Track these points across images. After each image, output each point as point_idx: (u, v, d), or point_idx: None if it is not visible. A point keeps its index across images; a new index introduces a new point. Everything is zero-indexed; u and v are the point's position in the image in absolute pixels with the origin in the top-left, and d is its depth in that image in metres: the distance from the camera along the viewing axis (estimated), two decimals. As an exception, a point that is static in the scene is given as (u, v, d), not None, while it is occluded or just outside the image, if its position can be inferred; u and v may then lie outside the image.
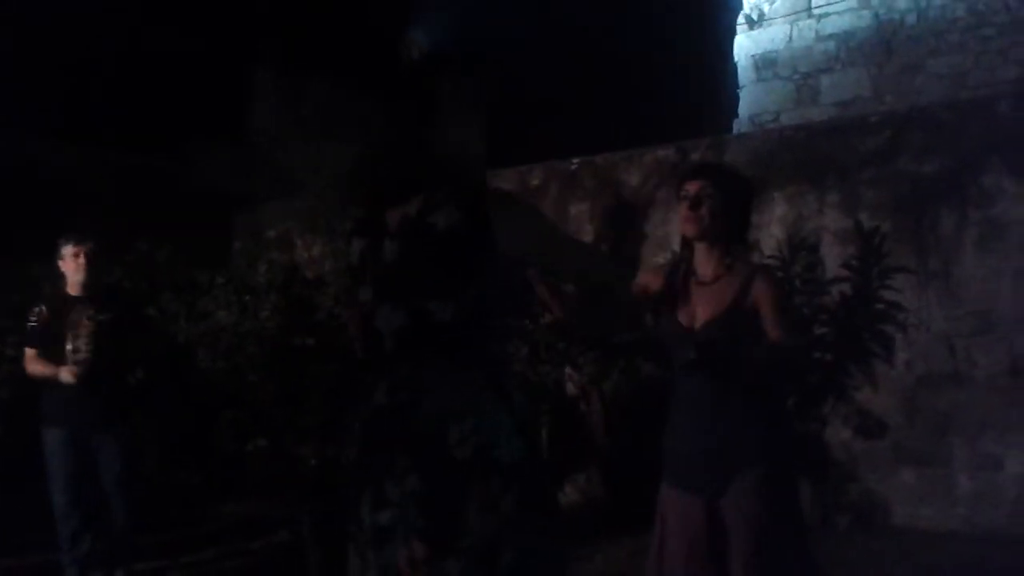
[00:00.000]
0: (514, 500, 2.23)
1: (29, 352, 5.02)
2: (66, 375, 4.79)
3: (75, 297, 5.00)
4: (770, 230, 6.59)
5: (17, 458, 5.48)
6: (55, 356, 4.88)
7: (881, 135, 6.46)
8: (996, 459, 5.83)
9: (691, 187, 3.00)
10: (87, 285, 4.99)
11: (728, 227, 3.01)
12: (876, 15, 10.54)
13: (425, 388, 2.23)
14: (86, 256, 4.96)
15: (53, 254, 5.09)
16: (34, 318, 5.00)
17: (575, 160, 7.86)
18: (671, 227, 7.19)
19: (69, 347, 4.82)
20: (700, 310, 2.97)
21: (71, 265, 5.00)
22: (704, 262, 3.02)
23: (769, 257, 6.22)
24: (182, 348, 5.87)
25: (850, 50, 10.65)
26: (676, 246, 6.86)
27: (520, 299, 2.41)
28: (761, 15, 11.21)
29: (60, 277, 5.10)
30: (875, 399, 6.10)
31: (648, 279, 3.22)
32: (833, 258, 6.22)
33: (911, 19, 10.44)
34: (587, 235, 7.60)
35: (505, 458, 2.22)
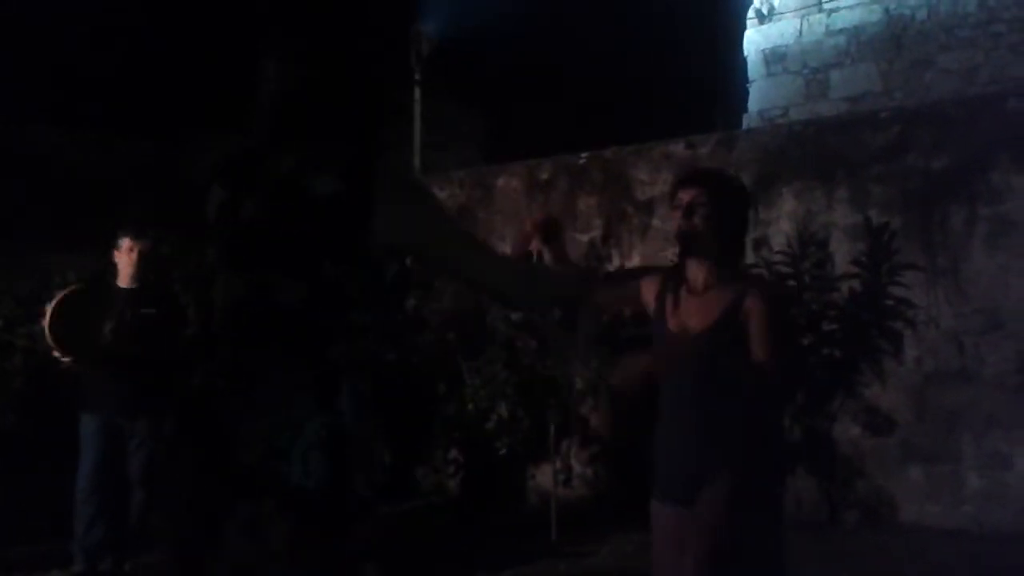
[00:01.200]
0: (285, 532, 1.80)
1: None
2: (58, 355, 4.94)
3: (123, 288, 5.16)
4: (779, 225, 6.58)
5: (30, 447, 5.52)
6: (85, 340, 4.99)
7: (891, 131, 6.45)
8: (1004, 457, 5.82)
9: (684, 195, 2.91)
10: (136, 278, 5.15)
11: (722, 238, 2.91)
12: (887, 10, 10.51)
13: (239, 376, 1.87)
14: (140, 252, 5.14)
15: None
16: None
17: (584, 154, 7.86)
18: (680, 222, 7.19)
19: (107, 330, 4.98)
20: (690, 321, 2.89)
21: (125, 258, 5.17)
22: (696, 271, 2.94)
23: (778, 253, 6.23)
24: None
25: (860, 45, 10.62)
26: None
27: (391, 294, 2.00)
28: (771, 9, 11.18)
29: (111, 266, 5.23)
30: (883, 396, 6.09)
31: (643, 290, 3.13)
32: (842, 254, 6.23)
33: (922, 14, 10.41)
34: (595, 229, 7.61)
35: (295, 477, 1.80)
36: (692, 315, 2.89)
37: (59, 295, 5.04)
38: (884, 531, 5.96)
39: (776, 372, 2.83)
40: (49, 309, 4.94)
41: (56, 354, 4.96)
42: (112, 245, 5.22)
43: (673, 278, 3.01)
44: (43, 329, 5.00)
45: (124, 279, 5.18)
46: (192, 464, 1.86)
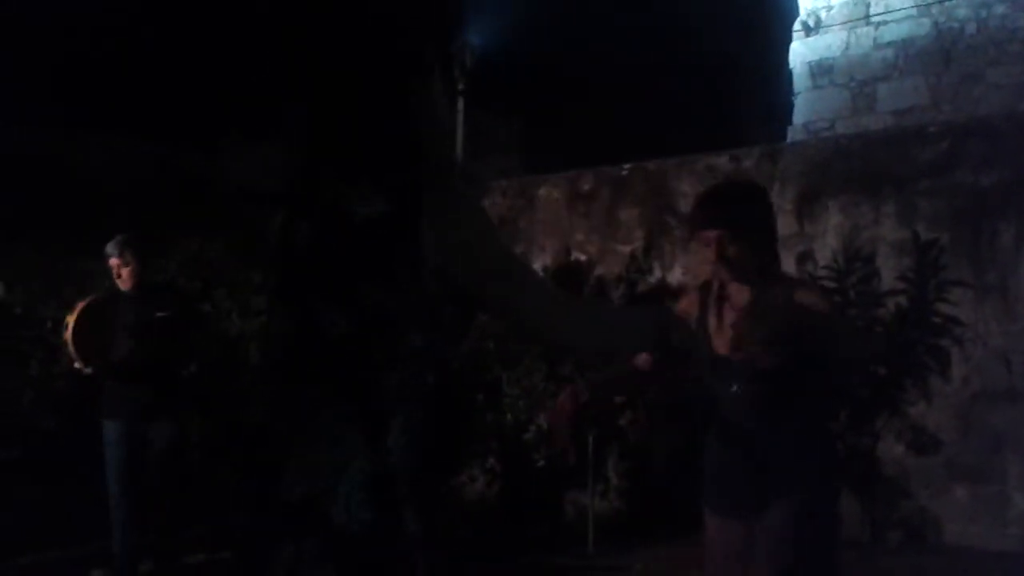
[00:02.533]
0: (330, 572, 1.71)
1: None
2: (80, 366, 4.98)
3: (124, 293, 5.17)
4: (825, 240, 6.51)
5: (74, 450, 5.58)
6: (103, 348, 5.04)
7: (939, 145, 6.36)
8: (1052, 479, 5.71)
9: (709, 236, 2.86)
10: (133, 284, 5.14)
11: (756, 258, 2.85)
12: (935, 23, 10.39)
13: (288, 410, 1.85)
14: (123, 263, 5.12)
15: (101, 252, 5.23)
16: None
17: (626, 166, 7.83)
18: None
19: (118, 340, 5.00)
20: (741, 335, 2.83)
21: (115, 268, 5.18)
22: (738, 290, 2.90)
23: (824, 267, 6.16)
24: (234, 344, 5.93)
25: (908, 58, 10.52)
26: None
27: (438, 319, 1.79)
28: (818, 21, 11.10)
29: (111, 273, 5.25)
30: (929, 414, 6.00)
31: (682, 311, 3.10)
32: (889, 270, 6.14)
33: (971, 28, 10.28)
34: (636, 240, 7.57)
35: (338, 518, 1.74)
36: (741, 330, 2.84)
37: (78, 306, 5.06)
38: (928, 552, 5.87)
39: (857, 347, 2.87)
40: (71, 321, 4.98)
41: (77, 365, 5.00)
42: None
43: (713, 296, 2.96)
44: (65, 339, 5.04)
45: (124, 285, 5.16)
46: (244, 497, 1.83)
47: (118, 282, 5.16)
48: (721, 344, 2.89)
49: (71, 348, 5.00)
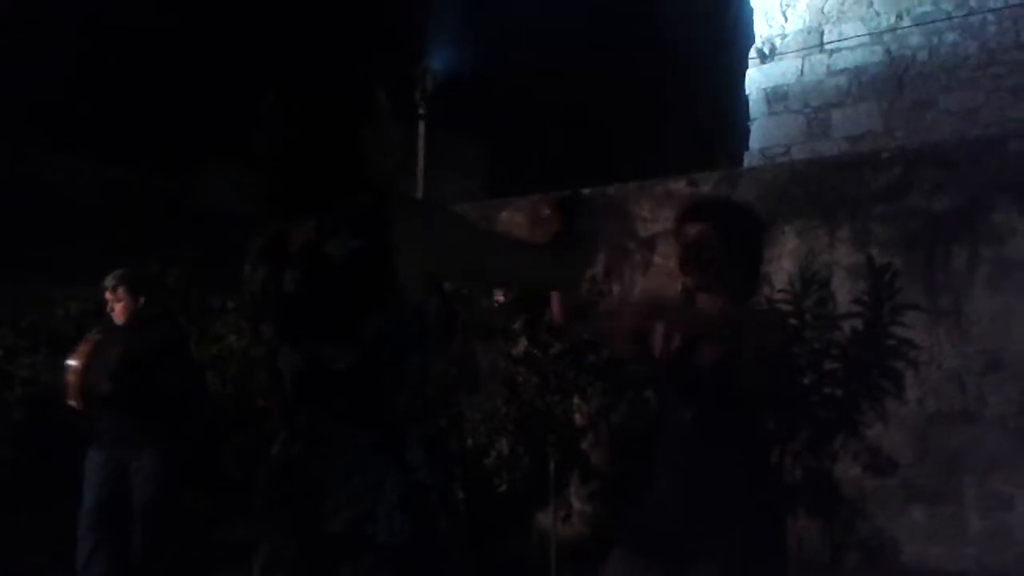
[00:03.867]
0: None
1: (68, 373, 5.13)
2: (72, 401, 4.96)
3: (117, 326, 5.18)
4: (781, 263, 6.59)
5: (29, 479, 5.49)
6: (95, 381, 5.02)
7: (892, 171, 6.47)
8: (1007, 499, 5.79)
9: (691, 230, 2.69)
10: (127, 319, 5.18)
11: (732, 275, 2.68)
12: (888, 51, 10.60)
13: (315, 444, 1.93)
14: (116, 298, 5.16)
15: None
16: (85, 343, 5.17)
17: (586, 190, 7.88)
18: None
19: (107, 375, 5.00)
20: (692, 359, 2.66)
21: (109, 302, 5.20)
22: (705, 305, 2.72)
23: (780, 291, 6.22)
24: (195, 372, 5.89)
25: (861, 85, 10.71)
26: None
27: (438, 329, 1.92)
28: (773, 49, 11.27)
29: (105, 306, 5.26)
30: (885, 436, 6.07)
31: (647, 315, 2.87)
32: (844, 293, 6.22)
33: (923, 55, 10.50)
34: (596, 264, 7.61)
35: (382, 536, 1.87)
36: (695, 353, 2.66)
37: (85, 347, 5.05)
38: (886, 572, 5.92)
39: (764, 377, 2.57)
40: (78, 363, 4.94)
41: (72, 403, 4.98)
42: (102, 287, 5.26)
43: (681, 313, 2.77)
44: (67, 380, 5.01)
45: (119, 318, 5.21)
46: (286, 533, 1.91)
47: (111, 315, 5.19)
48: (678, 364, 2.69)
49: (75, 388, 4.97)
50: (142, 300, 5.21)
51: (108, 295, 5.18)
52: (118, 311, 5.17)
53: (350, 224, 1.93)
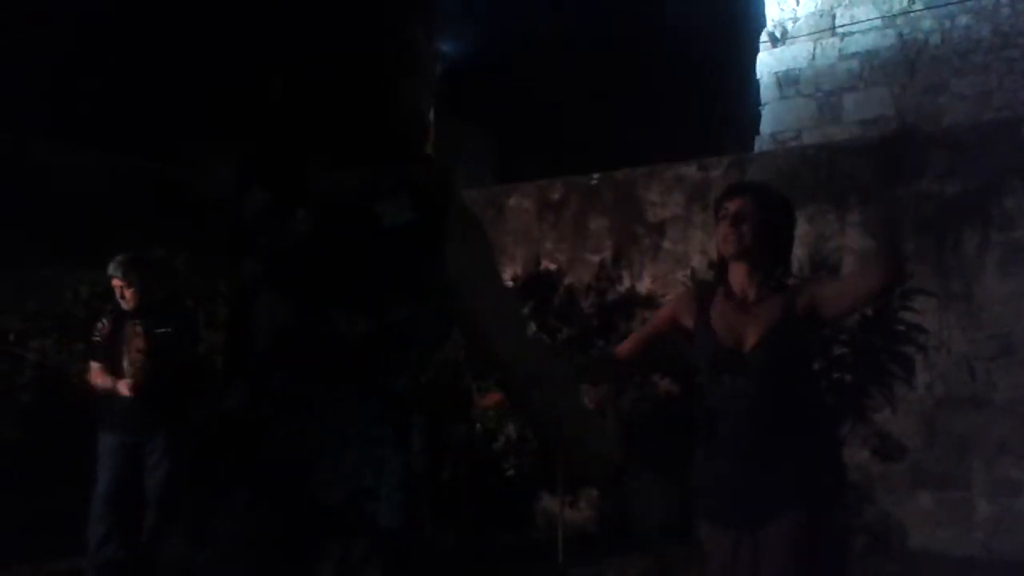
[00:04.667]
0: (379, 569, 1.70)
1: (94, 366, 5.20)
2: (123, 389, 5.00)
3: (127, 312, 5.20)
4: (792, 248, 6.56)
5: (38, 462, 5.52)
6: (113, 369, 5.10)
7: (904, 155, 6.43)
8: (1015, 484, 5.78)
9: (731, 205, 2.88)
10: (136, 304, 5.19)
11: (769, 246, 2.86)
12: (900, 34, 10.52)
13: (299, 406, 1.69)
14: (127, 284, 5.18)
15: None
16: (97, 333, 5.22)
17: (595, 175, 7.86)
18: (689, 244, 7.18)
19: (125, 362, 5.07)
20: (747, 332, 2.79)
21: (118, 289, 5.22)
22: (744, 283, 2.87)
23: (791, 276, 6.20)
24: (201, 356, 5.90)
25: (873, 69, 10.64)
26: (694, 263, 6.85)
27: (442, 327, 1.68)
28: (784, 33, 11.21)
29: (113, 292, 5.27)
30: (894, 421, 6.05)
31: (677, 310, 3.03)
32: (854, 278, 6.20)
33: (935, 39, 10.42)
34: (606, 250, 7.60)
35: (381, 516, 1.70)
36: (743, 329, 2.80)
37: (97, 343, 5.12)
38: (893, 557, 5.92)
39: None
40: (97, 364, 5.08)
41: (120, 388, 5.02)
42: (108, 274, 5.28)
43: (712, 291, 2.94)
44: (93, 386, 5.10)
45: (128, 304, 5.23)
46: (264, 502, 1.71)
47: (121, 302, 5.21)
48: (724, 340, 2.82)
49: (99, 383, 5.07)
50: (150, 285, 5.23)
51: (116, 282, 5.19)
52: (128, 297, 5.19)
53: (413, 194, 1.73)
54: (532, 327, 6.34)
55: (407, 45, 1.91)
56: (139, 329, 5.12)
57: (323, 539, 1.68)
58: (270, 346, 1.74)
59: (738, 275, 2.89)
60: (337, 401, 1.70)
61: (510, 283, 7.03)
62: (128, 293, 5.17)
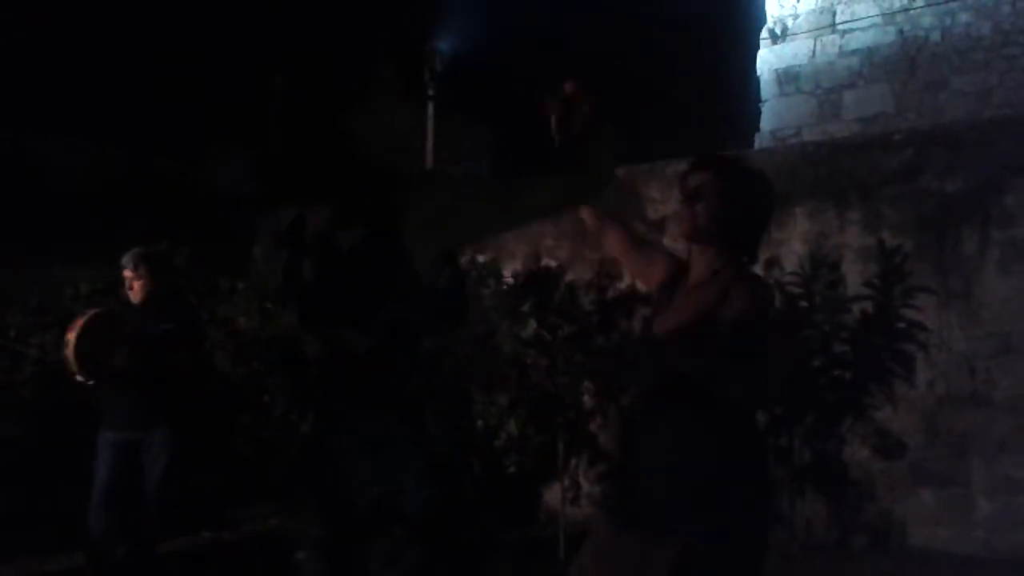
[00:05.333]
0: (418, 554, 1.94)
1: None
2: (82, 379, 4.95)
3: (134, 305, 5.20)
4: (791, 246, 6.57)
5: (38, 458, 5.52)
6: (102, 360, 5.03)
7: (904, 153, 6.43)
8: (1016, 482, 5.78)
9: (691, 179, 2.63)
10: (144, 297, 5.19)
11: (726, 229, 2.60)
12: (900, 31, 10.53)
13: (341, 424, 2.00)
14: (136, 276, 5.18)
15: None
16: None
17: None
18: (691, 241, 7.17)
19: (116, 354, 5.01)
20: (672, 319, 2.60)
21: (128, 280, 5.21)
22: (695, 266, 2.64)
23: (790, 273, 6.22)
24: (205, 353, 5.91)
25: (873, 66, 10.64)
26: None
27: (451, 303, 1.91)
28: (784, 30, 11.20)
29: (122, 284, 5.28)
30: (894, 419, 6.06)
31: (652, 266, 2.85)
32: (854, 276, 6.20)
33: (935, 36, 10.42)
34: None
35: (412, 507, 1.95)
36: (677, 313, 2.60)
37: (80, 321, 5.04)
38: (893, 555, 5.92)
39: (748, 384, 2.46)
40: (73, 336, 4.94)
41: (79, 378, 4.98)
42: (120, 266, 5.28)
43: (680, 270, 2.72)
44: (66, 356, 5.00)
45: (135, 297, 5.23)
46: (322, 508, 2.01)
47: (129, 293, 5.21)
48: (659, 325, 2.64)
49: (72, 362, 4.96)
50: (159, 280, 5.23)
51: (127, 273, 5.19)
52: (136, 290, 5.19)
53: (361, 212, 1.96)
54: (532, 323, 6.34)
55: (376, 79, 2.19)
56: (136, 322, 5.08)
57: (365, 535, 1.94)
58: (319, 376, 2.06)
59: (695, 258, 2.65)
60: (360, 414, 1.93)
61: (510, 280, 7.02)
62: (137, 285, 5.17)
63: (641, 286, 5.94)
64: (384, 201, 1.97)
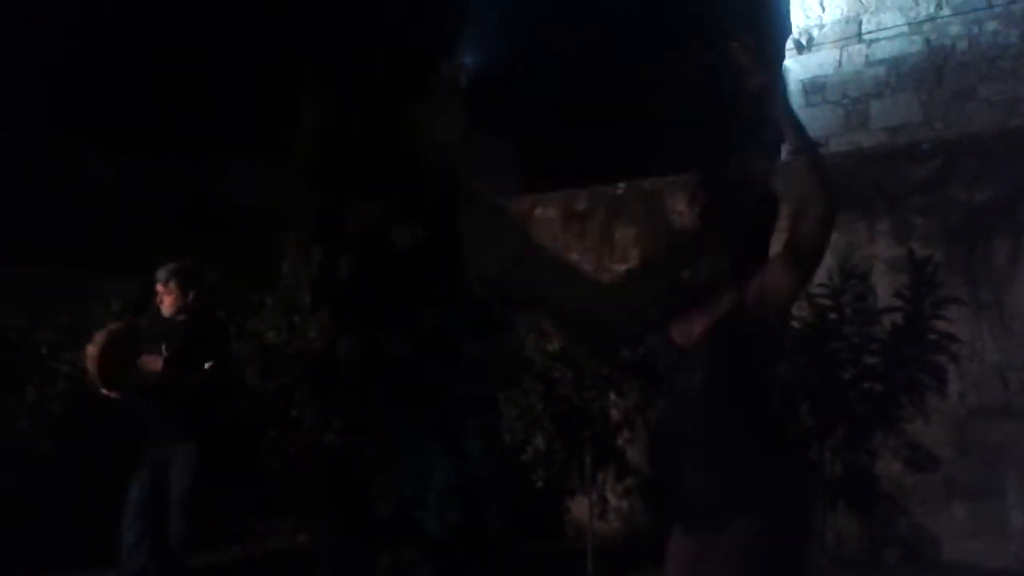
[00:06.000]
0: (429, 574, 1.79)
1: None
2: (106, 392, 5.00)
3: (164, 319, 5.27)
4: (819, 258, 6.52)
5: (71, 475, 5.56)
6: (131, 373, 5.08)
7: (932, 163, 6.39)
8: (1050, 495, 5.71)
9: (700, 192, 2.74)
10: (174, 311, 5.24)
11: (735, 241, 2.68)
12: (927, 40, 10.45)
13: (369, 430, 1.97)
14: (167, 290, 5.24)
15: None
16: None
17: (621, 185, 7.85)
18: (718, 253, 7.14)
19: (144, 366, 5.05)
20: (694, 328, 2.65)
21: (160, 293, 5.28)
22: (704, 274, 2.73)
23: (819, 285, 6.17)
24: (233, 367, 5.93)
25: (900, 75, 10.56)
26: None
27: (490, 326, 1.85)
28: (810, 40, 11.16)
29: (155, 297, 5.33)
30: (926, 431, 6.00)
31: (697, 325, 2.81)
32: (884, 287, 6.16)
33: (962, 45, 10.34)
34: (632, 259, 7.58)
35: (429, 523, 1.78)
36: (693, 325, 2.66)
37: (100, 336, 5.06)
38: (926, 569, 5.86)
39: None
40: (94, 351, 4.97)
41: (103, 391, 5.01)
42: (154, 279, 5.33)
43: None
44: (88, 369, 5.03)
45: (167, 311, 5.29)
46: (336, 517, 1.93)
47: (160, 307, 5.27)
48: (679, 335, 2.70)
49: (96, 375, 4.99)
50: (192, 294, 5.27)
51: (160, 287, 5.25)
52: (167, 303, 5.23)
53: (417, 211, 1.90)
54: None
55: (427, 76, 2.09)
56: (167, 336, 5.12)
57: (376, 548, 1.81)
58: (352, 380, 1.91)
59: (702, 266, 2.75)
60: (389, 421, 1.84)
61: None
62: (168, 300, 5.22)
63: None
64: (443, 201, 1.90)
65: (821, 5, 11.22)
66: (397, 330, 1.84)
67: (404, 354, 1.85)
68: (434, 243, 1.82)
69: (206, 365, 5.06)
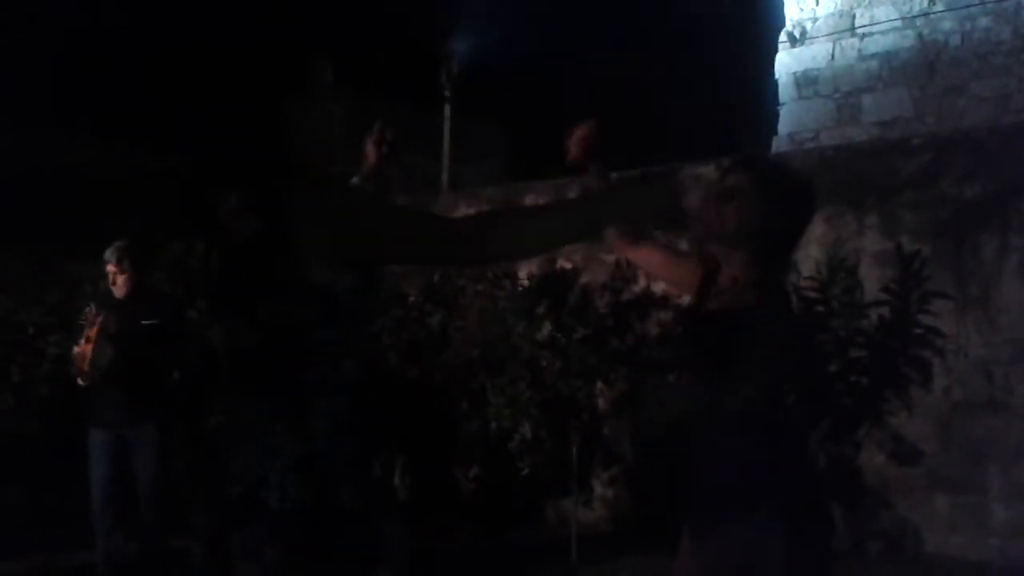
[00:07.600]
0: (278, 555, 1.89)
1: (76, 351, 5.09)
2: (80, 379, 4.97)
3: (117, 300, 5.14)
4: (808, 251, 6.52)
5: (56, 456, 5.55)
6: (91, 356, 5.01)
7: (923, 158, 6.40)
8: (1033, 490, 5.75)
9: (728, 180, 2.51)
10: (127, 292, 5.14)
11: (759, 235, 2.47)
12: (920, 35, 10.47)
13: (232, 416, 2.10)
14: (120, 270, 5.12)
15: (94, 256, 5.21)
16: (83, 319, 5.13)
17: (611, 174, 7.83)
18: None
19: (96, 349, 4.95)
20: (708, 326, 2.56)
21: (111, 274, 5.16)
22: (729, 274, 2.54)
23: (807, 278, 6.19)
24: (216, 351, 5.90)
25: (893, 70, 10.59)
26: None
27: (355, 304, 1.94)
28: (803, 33, 11.17)
29: (106, 279, 5.23)
30: (910, 425, 6.03)
31: (690, 274, 2.70)
32: (872, 281, 6.18)
33: (955, 40, 10.36)
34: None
35: (273, 501, 1.90)
36: (710, 320, 2.55)
37: (92, 333, 5.00)
38: (908, 562, 5.89)
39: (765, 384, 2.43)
40: (88, 350, 4.92)
41: (80, 381, 4.98)
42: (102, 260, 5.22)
43: (713, 274, 2.61)
44: (79, 364, 4.99)
45: (118, 292, 5.16)
46: (203, 497, 2.07)
47: (112, 288, 5.15)
48: (698, 327, 2.62)
49: (84, 370, 4.97)
50: (143, 274, 5.18)
51: (110, 268, 5.12)
52: (120, 284, 5.11)
53: (252, 205, 2.02)
54: (547, 325, 6.34)
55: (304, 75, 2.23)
56: (119, 317, 5.00)
57: (230, 530, 1.92)
58: (226, 367, 2.08)
59: (727, 264, 2.55)
60: (250, 407, 1.99)
61: (525, 282, 7.02)
62: (120, 280, 5.10)
63: (671, 291, 5.94)
64: (276, 197, 2.01)
65: (815, -2, 11.24)
66: (244, 320, 1.98)
67: (251, 342, 1.97)
68: (267, 236, 1.94)
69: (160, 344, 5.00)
